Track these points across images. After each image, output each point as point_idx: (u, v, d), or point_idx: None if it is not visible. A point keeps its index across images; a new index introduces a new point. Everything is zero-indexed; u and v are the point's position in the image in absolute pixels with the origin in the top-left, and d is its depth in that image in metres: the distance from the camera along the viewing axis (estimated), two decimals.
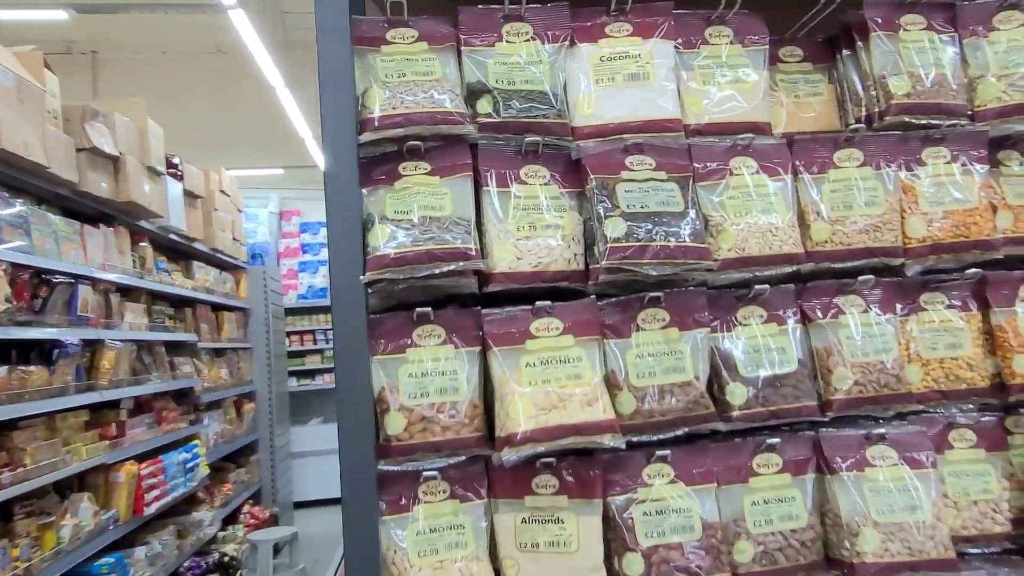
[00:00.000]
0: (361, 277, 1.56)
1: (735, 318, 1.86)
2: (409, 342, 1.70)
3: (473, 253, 1.61)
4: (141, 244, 6.15)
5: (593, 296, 1.77)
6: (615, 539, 1.74)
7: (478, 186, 1.75)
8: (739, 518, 1.79)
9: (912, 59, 1.93)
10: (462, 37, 1.78)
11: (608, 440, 1.61)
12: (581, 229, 1.79)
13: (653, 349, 1.76)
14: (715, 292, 1.87)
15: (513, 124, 1.73)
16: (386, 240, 1.58)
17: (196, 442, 6.73)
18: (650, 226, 1.68)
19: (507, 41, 1.78)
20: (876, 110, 1.95)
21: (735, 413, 1.78)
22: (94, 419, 5.27)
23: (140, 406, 6.02)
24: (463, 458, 1.69)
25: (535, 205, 1.75)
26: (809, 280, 1.92)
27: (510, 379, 1.66)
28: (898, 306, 1.96)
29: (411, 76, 1.70)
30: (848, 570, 1.75)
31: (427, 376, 1.68)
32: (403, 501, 1.70)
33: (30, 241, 4.40)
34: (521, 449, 1.59)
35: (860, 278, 1.87)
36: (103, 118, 5.28)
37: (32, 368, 4.36)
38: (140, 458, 5.58)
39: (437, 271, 1.59)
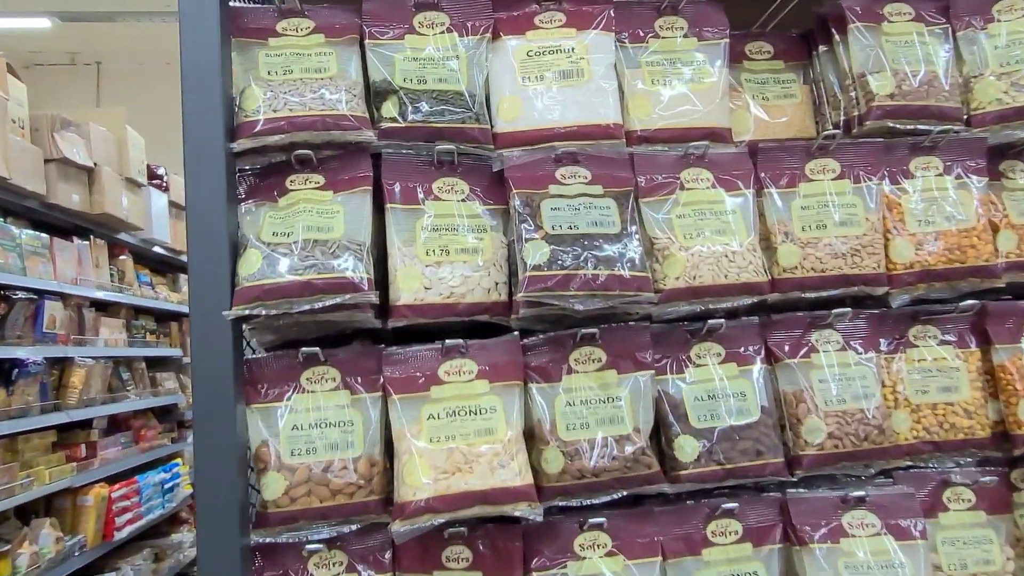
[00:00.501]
0: (225, 312, 1.31)
1: (687, 357, 1.59)
2: (295, 387, 1.44)
3: (363, 284, 1.35)
4: (120, 257, 5.97)
5: (516, 333, 1.51)
6: None
7: (383, 202, 1.49)
8: None
9: (897, 55, 1.66)
10: (366, 28, 1.53)
11: (522, 510, 1.35)
12: (504, 253, 1.53)
13: (586, 395, 1.49)
14: (663, 327, 1.59)
15: (421, 129, 1.48)
16: (257, 268, 1.33)
17: (178, 461, 6.53)
18: (578, 251, 1.42)
19: (418, 33, 1.53)
20: (856, 114, 1.68)
21: (685, 472, 1.50)
22: (63, 439, 5.07)
23: (117, 424, 5.82)
24: (356, 526, 1.43)
25: (449, 225, 1.49)
26: (776, 312, 1.64)
27: (408, 434, 1.40)
28: (882, 342, 1.68)
29: (299, 73, 1.45)
30: None
31: (316, 428, 1.43)
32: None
33: None
34: (416, 521, 1.33)
35: (836, 310, 1.59)
36: (76, 128, 5.10)
37: None
38: (113, 479, 5.37)
39: (319, 305, 1.33)
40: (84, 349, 5.13)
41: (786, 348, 1.62)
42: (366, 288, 1.35)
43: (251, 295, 1.32)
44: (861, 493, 1.56)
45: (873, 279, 1.60)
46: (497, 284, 1.50)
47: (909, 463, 1.64)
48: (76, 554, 4.78)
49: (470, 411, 1.41)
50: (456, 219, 1.50)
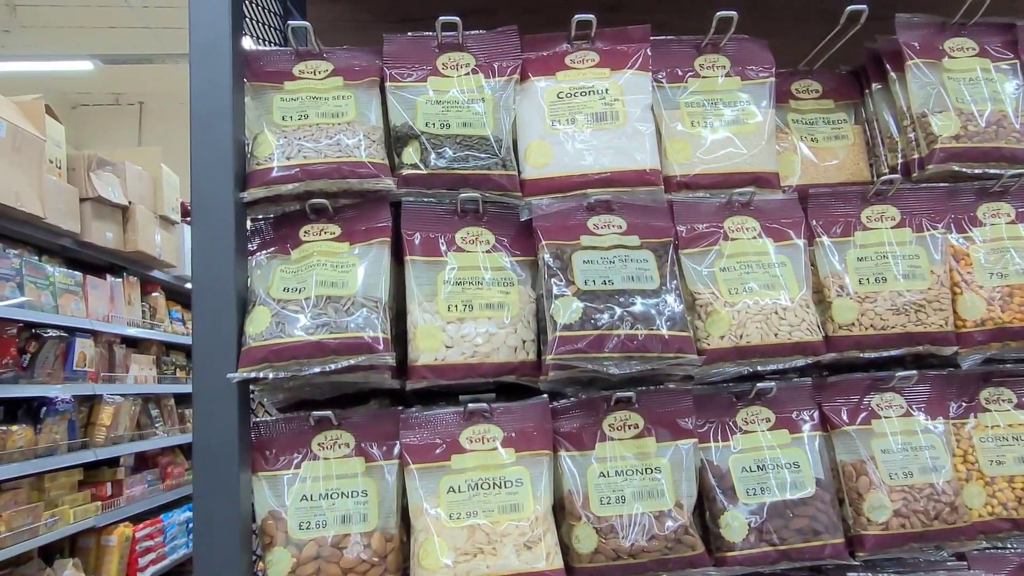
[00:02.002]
0: (231, 375, 1.21)
1: (733, 423, 1.44)
2: (306, 453, 1.33)
3: (379, 344, 1.24)
4: (153, 294, 6.00)
5: (545, 396, 1.39)
6: None
7: (402, 255, 1.39)
8: None
9: (962, 93, 1.52)
10: (387, 71, 1.44)
11: None
12: (533, 309, 1.41)
13: (622, 465, 1.35)
14: (706, 389, 1.46)
15: (445, 176, 1.38)
16: (266, 327, 1.23)
17: None
18: (614, 309, 1.30)
19: (442, 75, 1.44)
20: (915, 156, 1.54)
21: (732, 553, 1.35)
22: (89, 477, 5.04)
23: (144, 461, 5.78)
24: None
25: (473, 278, 1.38)
26: (832, 373, 1.50)
27: (427, 509, 1.28)
28: (950, 407, 1.52)
29: (315, 119, 1.37)
30: None
31: (327, 499, 1.31)
32: None
33: (21, 294, 4.23)
34: None
35: (900, 373, 1.43)
36: (112, 167, 5.16)
37: (14, 427, 4.14)
38: (139, 518, 5.31)
39: (331, 367, 1.23)
40: (114, 387, 5.12)
41: (843, 413, 1.47)
42: (382, 348, 1.25)
43: (259, 356, 1.22)
44: None
45: (940, 338, 1.45)
46: (524, 342, 1.38)
47: (985, 544, 1.47)
48: None
49: (494, 484, 1.28)
50: (481, 272, 1.39)
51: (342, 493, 1.32)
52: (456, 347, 1.34)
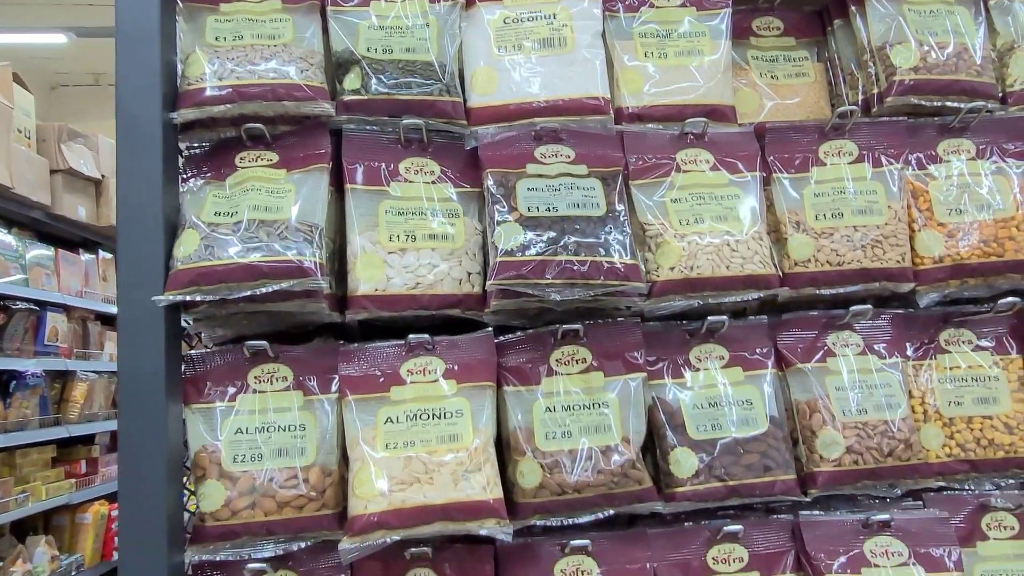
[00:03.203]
0: (156, 298, 1.16)
1: (686, 360, 1.41)
2: (242, 386, 1.29)
3: (314, 269, 1.20)
4: None
5: (490, 329, 1.35)
6: None
7: (343, 183, 1.35)
8: None
9: (922, 25, 1.49)
10: None
11: (490, 528, 1.17)
12: (479, 242, 1.37)
13: (569, 400, 1.32)
14: (658, 326, 1.42)
15: (386, 102, 1.33)
16: (195, 250, 1.18)
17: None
18: (557, 235, 1.26)
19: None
20: (875, 91, 1.51)
21: (682, 489, 1.32)
22: (63, 455, 4.97)
23: None
24: (306, 543, 1.26)
25: (417, 209, 1.34)
26: (787, 311, 1.46)
27: (362, 440, 1.24)
28: (908, 347, 1.49)
29: (250, 39, 1.32)
30: None
31: (263, 432, 1.27)
32: None
33: None
34: (368, 538, 1.16)
35: (854, 307, 1.40)
36: (84, 140, 5.07)
37: None
38: (115, 497, 5.25)
39: (262, 291, 1.18)
40: (88, 363, 5.05)
41: (799, 351, 1.44)
42: (316, 273, 1.20)
43: (187, 279, 1.17)
44: (885, 517, 1.36)
45: (897, 274, 1.42)
46: (470, 275, 1.34)
47: (941, 484, 1.44)
48: (73, 573, 4.65)
49: (433, 415, 1.25)
50: (424, 202, 1.35)
51: (279, 427, 1.28)
52: (398, 277, 1.29)
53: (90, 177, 5.01)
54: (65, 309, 4.81)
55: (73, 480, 4.81)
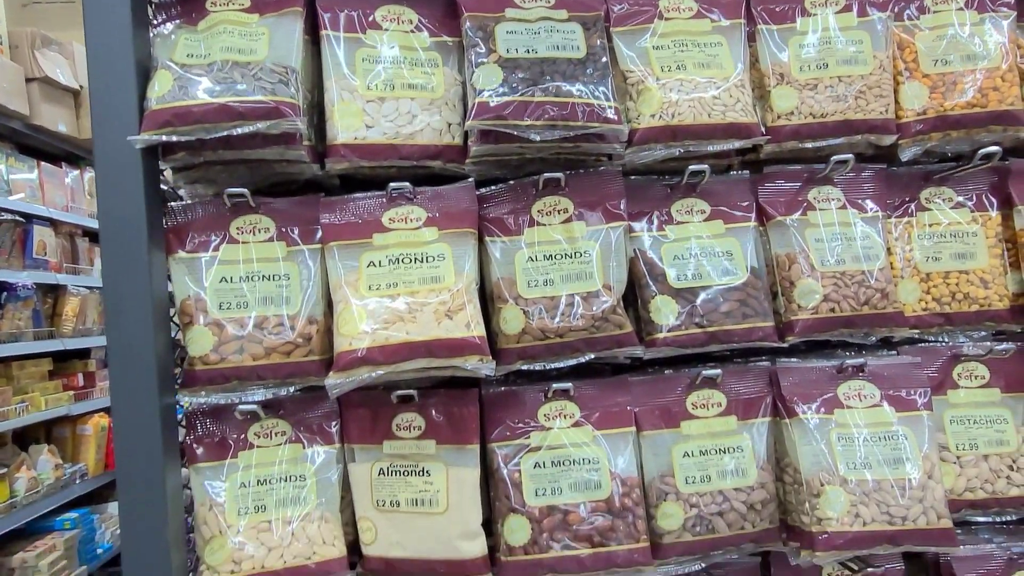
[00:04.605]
0: (132, 138, 1.15)
1: (667, 213, 1.42)
2: (224, 237, 1.29)
3: (288, 110, 1.19)
4: None
5: (471, 179, 1.34)
6: (497, 497, 1.34)
7: (318, 32, 1.32)
8: (666, 473, 1.37)
9: None
10: None
11: (473, 364, 1.20)
12: (459, 92, 1.35)
13: (551, 250, 1.33)
14: (641, 180, 1.42)
15: None
16: (168, 90, 1.17)
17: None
18: (536, 76, 1.24)
19: None
20: None
21: (662, 335, 1.35)
22: (59, 369, 5.03)
23: None
24: (295, 389, 1.29)
25: (395, 58, 1.32)
26: (769, 164, 1.46)
27: (346, 283, 1.25)
28: (889, 203, 1.50)
29: None
30: (806, 541, 1.33)
31: (247, 281, 1.28)
32: (224, 444, 1.32)
33: None
34: (352, 374, 1.19)
35: (836, 156, 1.40)
36: (59, 47, 4.93)
37: None
38: None
39: (238, 132, 1.17)
40: (78, 278, 5.04)
41: (780, 205, 1.45)
42: (293, 115, 1.19)
43: (162, 119, 1.16)
44: (860, 361, 1.40)
45: (880, 126, 1.41)
46: (450, 125, 1.33)
47: (916, 335, 1.48)
48: (78, 482, 4.77)
49: (415, 259, 1.26)
50: (403, 51, 1.32)
51: (263, 276, 1.29)
52: (377, 126, 1.28)
53: (68, 87, 4.89)
54: (52, 224, 4.78)
55: (71, 392, 4.88)
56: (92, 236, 5.39)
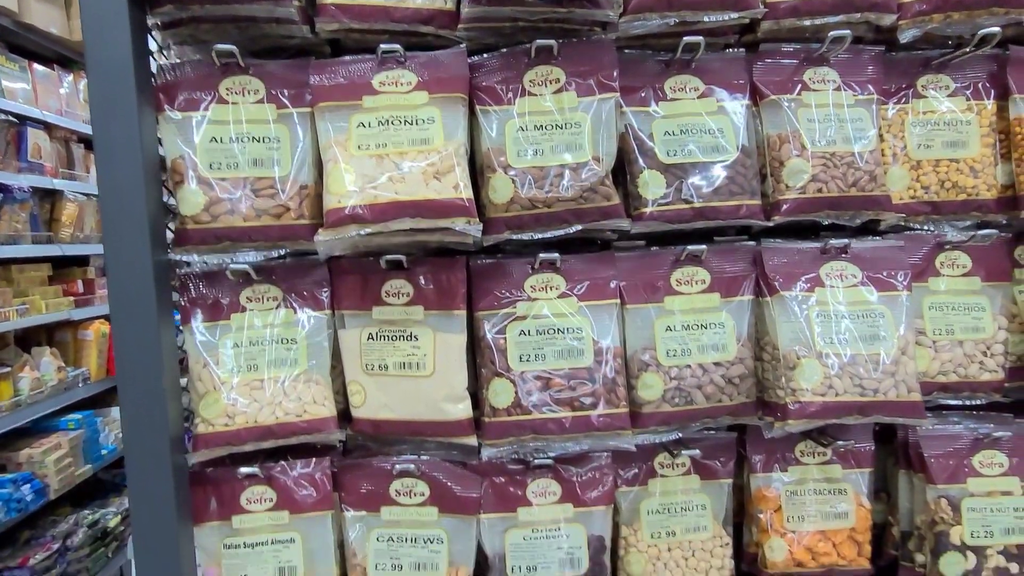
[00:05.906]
0: None
1: (660, 89, 1.41)
2: (214, 97, 1.29)
3: None
4: None
5: (463, 46, 1.33)
6: (483, 363, 1.38)
7: None
8: (648, 346, 1.40)
9: None
10: None
11: (461, 226, 1.22)
12: None
13: (541, 120, 1.32)
14: (634, 54, 1.41)
15: None
16: None
17: None
18: None
19: None
20: None
21: (648, 210, 1.36)
22: (58, 275, 5.06)
23: None
24: (286, 254, 1.31)
25: None
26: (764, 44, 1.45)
27: (335, 143, 1.26)
28: (885, 87, 1.49)
29: None
30: (780, 412, 1.37)
31: (237, 142, 1.28)
32: (217, 306, 1.35)
33: None
34: (341, 231, 1.20)
35: (833, 32, 1.38)
36: None
37: None
38: None
39: None
40: (75, 184, 5.02)
41: (774, 84, 1.43)
42: None
43: None
44: (843, 242, 1.41)
45: (881, 3, 1.38)
46: None
47: (902, 223, 1.49)
48: (80, 385, 4.87)
49: (405, 120, 1.26)
50: None
51: (253, 138, 1.29)
52: None
53: None
54: (46, 127, 4.73)
55: (72, 298, 4.92)
56: (87, 143, 5.34)
